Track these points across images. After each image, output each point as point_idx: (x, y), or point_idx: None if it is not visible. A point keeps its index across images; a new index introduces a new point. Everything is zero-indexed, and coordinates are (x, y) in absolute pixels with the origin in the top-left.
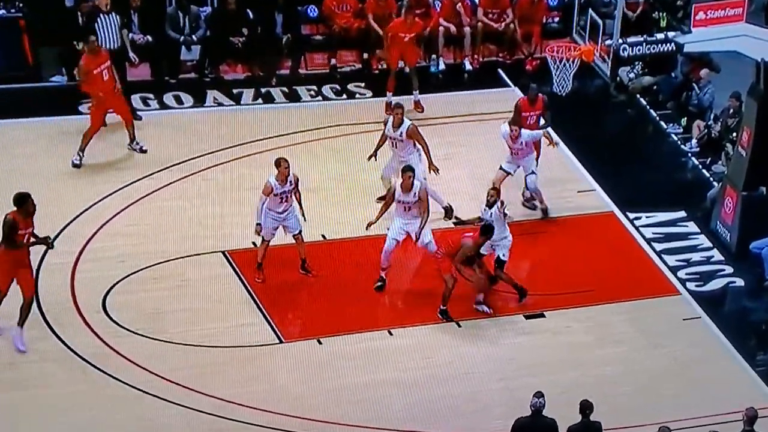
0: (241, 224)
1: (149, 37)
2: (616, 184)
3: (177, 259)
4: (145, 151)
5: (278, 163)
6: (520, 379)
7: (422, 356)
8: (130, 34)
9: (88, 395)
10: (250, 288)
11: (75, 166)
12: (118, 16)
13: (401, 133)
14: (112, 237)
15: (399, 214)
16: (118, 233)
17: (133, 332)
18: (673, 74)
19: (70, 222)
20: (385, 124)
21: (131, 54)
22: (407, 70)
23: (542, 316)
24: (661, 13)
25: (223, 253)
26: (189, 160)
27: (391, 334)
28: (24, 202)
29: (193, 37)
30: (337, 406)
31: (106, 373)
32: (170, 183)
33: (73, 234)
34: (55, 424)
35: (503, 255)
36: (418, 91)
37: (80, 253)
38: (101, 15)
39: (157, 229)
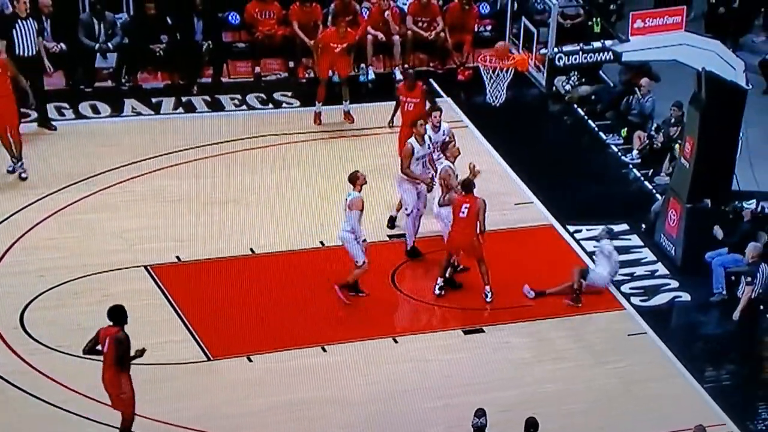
0: (162, 237)
1: (62, 45)
2: (554, 197)
3: (98, 273)
4: (24, 179)
5: (354, 177)
6: (459, 397)
7: (358, 373)
8: (44, 42)
9: (4, 414)
10: (174, 303)
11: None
12: (35, 22)
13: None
14: (29, 251)
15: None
16: (36, 247)
17: (53, 349)
18: (611, 83)
19: None
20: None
21: (47, 63)
22: (336, 79)
23: (481, 331)
24: (595, 18)
25: (146, 267)
26: (107, 171)
27: (324, 350)
28: None
29: (109, 44)
30: (269, 425)
31: (24, 391)
32: (89, 195)
33: None
34: None
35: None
36: (348, 101)
37: None
38: (19, 21)
39: (77, 242)
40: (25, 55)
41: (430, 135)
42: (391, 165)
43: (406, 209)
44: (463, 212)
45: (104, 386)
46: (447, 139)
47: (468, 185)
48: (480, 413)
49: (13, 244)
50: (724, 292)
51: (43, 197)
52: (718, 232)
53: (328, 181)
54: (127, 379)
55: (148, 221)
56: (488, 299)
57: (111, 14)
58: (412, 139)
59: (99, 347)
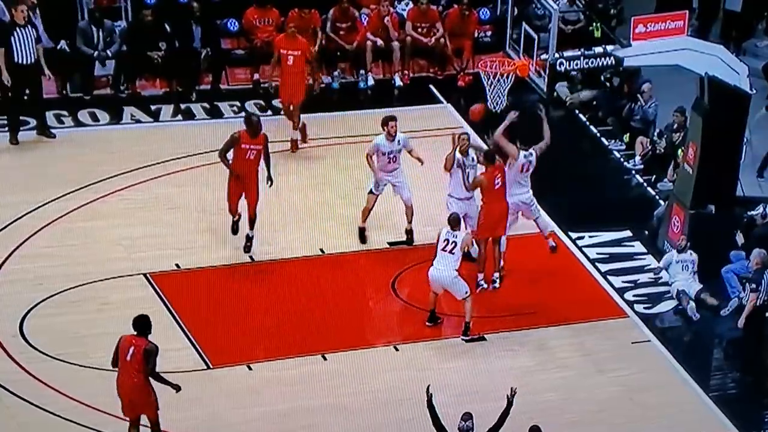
0: (162, 245)
1: (64, 44)
2: (557, 203)
3: (97, 281)
4: None
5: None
6: (461, 406)
7: (358, 382)
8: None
9: (3, 422)
10: (174, 311)
11: None
12: (34, 30)
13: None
14: (28, 259)
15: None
16: (35, 255)
17: (53, 357)
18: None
19: None
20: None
21: (45, 69)
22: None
23: (483, 339)
24: (595, 23)
25: (145, 275)
26: (106, 179)
27: (325, 359)
28: None
29: (108, 52)
30: None
31: (23, 399)
32: (88, 203)
33: None
34: None
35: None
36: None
37: None
38: (17, 28)
39: (76, 250)
40: (24, 62)
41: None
42: None
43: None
44: (498, 182)
45: (125, 393)
46: (407, 148)
47: (491, 156)
48: (467, 416)
49: (13, 252)
50: (742, 295)
51: (42, 205)
52: (740, 237)
53: (327, 187)
54: (151, 388)
55: (147, 229)
56: (497, 284)
57: (109, 22)
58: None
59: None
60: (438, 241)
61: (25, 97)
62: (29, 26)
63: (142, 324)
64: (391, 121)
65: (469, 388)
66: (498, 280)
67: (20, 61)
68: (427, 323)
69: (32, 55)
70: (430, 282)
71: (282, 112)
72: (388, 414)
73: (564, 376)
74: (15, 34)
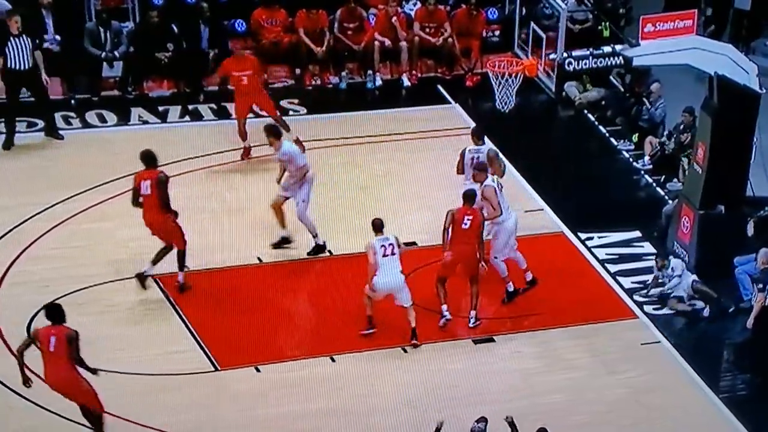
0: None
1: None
2: (565, 204)
3: (104, 283)
4: None
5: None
6: (469, 408)
7: (366, 383)
8: (45, 43)
9: (10, 424)
10: (181, 313)
11: None
12: (29, 39)
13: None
14: (35, 261)
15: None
16: (42, 257)
17: None
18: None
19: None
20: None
21: (44, 77)
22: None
23: (492, 340)
24: (604, 23)
25: (153, 278)
26: (114, 180)
27: (333, 360)
28: None
29: (115, 53)
30: None
31: (30, 401)
32: (95, 204)
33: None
34: None
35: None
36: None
37: (2, 277)
38: (11, 38)
39: (82, 252)
40: (18, 68)
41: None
42: (398, 171)
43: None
44: (466, 224)
45: (58, 385)
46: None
47: (469, 196)
48: (481, 419)
49: (20, 254)
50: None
51: (49, 207)
52: (750, 228)
53: (334, 188)
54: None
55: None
56: (471, 323)
57: (117, 23)
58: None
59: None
60: (374, 253)
61: (32, 100)
62: (24, 35)
63: (55, 312)
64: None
65: (476, 389)
66: (473, 319)
67: (14, 67)
68: (363, 333)
69: (27, 62)
70: (377, 290)
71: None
72: (396, 415)
73: (572, 377)
74: (10, 42)
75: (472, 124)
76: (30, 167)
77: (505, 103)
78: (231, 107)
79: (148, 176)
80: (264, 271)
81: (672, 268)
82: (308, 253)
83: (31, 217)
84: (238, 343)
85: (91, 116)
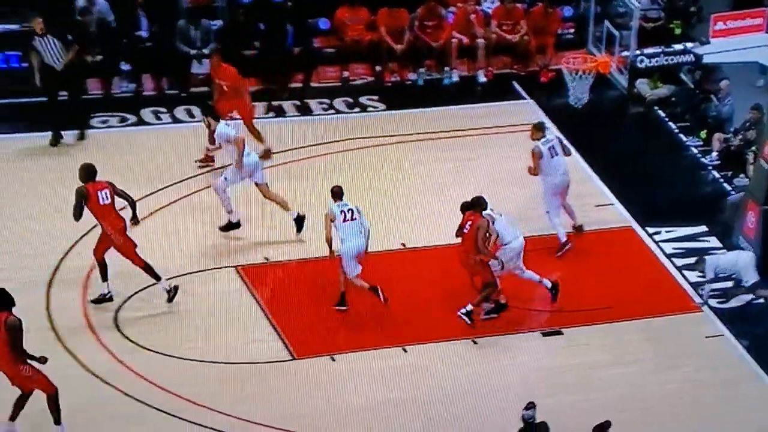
0: (252, 239)
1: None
2: (634, 198)
3: (188, 274)
4: None
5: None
6: (538, 400)
7: (436, 375)
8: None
9: (98, 412)
10: (262, 304)
11: None
12: (54, 39)
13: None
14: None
15: None
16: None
17: (146, 348)
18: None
19: (80, 238)
20: None
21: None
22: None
23: (560, 333)
24: (675, 21)
25: (235, 268)
26: (199, 174)
27: (405, 351)
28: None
29: (204, 50)
30: (348, 425)
31: (117, 389)
32: (180, 198)
33: (83, 250)
34: None
35: None
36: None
37: (91, 269)
38: (36, 38)
39: (168, 244)
40: (52, 66)
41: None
42: (471, 166)
43: None
44: (467, 228)
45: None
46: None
47: (468, 205)
48: (530, 405)
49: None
50: None
51: (139, 200)
52: None
53: (410, 182)
54: (23, 364)
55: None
56: (463, 310)
57: (207, 21)
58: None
59: None
60: (334, 220)
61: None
62: (48, 36)
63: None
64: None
65: (546, 380)
66: (465, 313)
67: (49, 64)
68: (337, 306)
69: (58, 61)
70: (353, 253)
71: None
72: (465, 406)
73: (635, 371)
74: (38, 42)
75: (547, 120)
76: (113, 164)
77: (578, 99)
78: (312, 104)
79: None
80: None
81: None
82: (220, 228)
83: (120, 210)
84: (314, 333)
85: (179, 111)
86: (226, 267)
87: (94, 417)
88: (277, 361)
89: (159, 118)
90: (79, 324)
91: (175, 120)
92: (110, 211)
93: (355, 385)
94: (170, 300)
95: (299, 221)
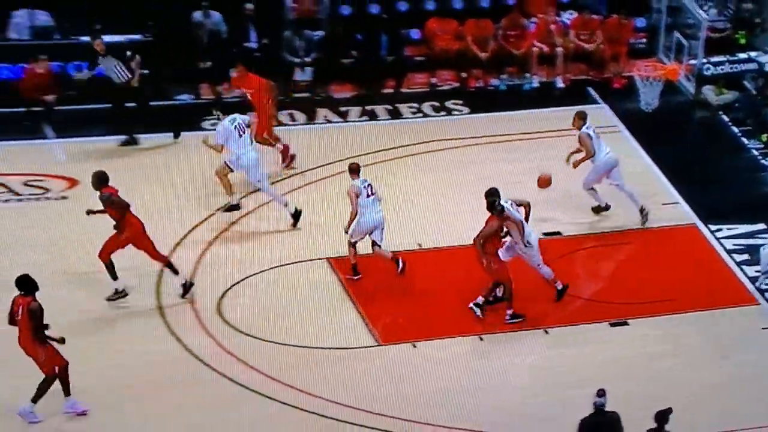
0: (341, 233)
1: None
2: (698, 197)
3: (285, 265)
4: None
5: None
6: (608, 385)
7: (511, 362)
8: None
9: (201, 394)
10: (350, 294)
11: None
12: (115, 60)
13: None
14: (228, 244)
15: None
16: (234, 240)
17: (245, 334)
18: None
19: (191, 231)
20: None
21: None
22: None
23: (626, 323)
24: (740, 32)
25: (327, 260)
26: (300, 173)
27: (481, 339)
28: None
29: (306, 59)
30: (429, 408)
31: (219, 372)
32: (283, 194)
33: (192, 242)
34: (172, 422)
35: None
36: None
37: (199, 258)
38: (99, 57)
39: (269, 237)
40: (116, 82)
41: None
42: (550, 167)
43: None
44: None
45: (24, 350)
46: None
47: (489, 206)
48: (601, 393)
49: (216, 238)
50: None
51: (244, 196)
52: None
53: (492, 182)
54: (44, 349)
55: (330, 218)
56: (472, 305)
57: (309, 32)
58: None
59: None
60: (356, 195)
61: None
62: (108, 55)
63: (23, 283)
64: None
65: (608, 369)
66: (477, 307)
67: (113, 81)
68: (352, 277)
69: (123, 75)
70: (361, 230)
71: None
72: (536, 390)
73: (694, 361)
74: (101, 61)
75: (620, 124)
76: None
77: (648, 104)
78: (402, 108)
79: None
80: (423, 256)
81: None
82: (224, 210)
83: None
84: (398, 321)
85: (283, 115)
86: (318, 259)
87: (196, 397)
88: (363, 347)
89: None
90: (185, 309)
91: (279, 123)
92: (130, 212)
93: (433, 370)
94: (184, 295)
95: (296, 216)
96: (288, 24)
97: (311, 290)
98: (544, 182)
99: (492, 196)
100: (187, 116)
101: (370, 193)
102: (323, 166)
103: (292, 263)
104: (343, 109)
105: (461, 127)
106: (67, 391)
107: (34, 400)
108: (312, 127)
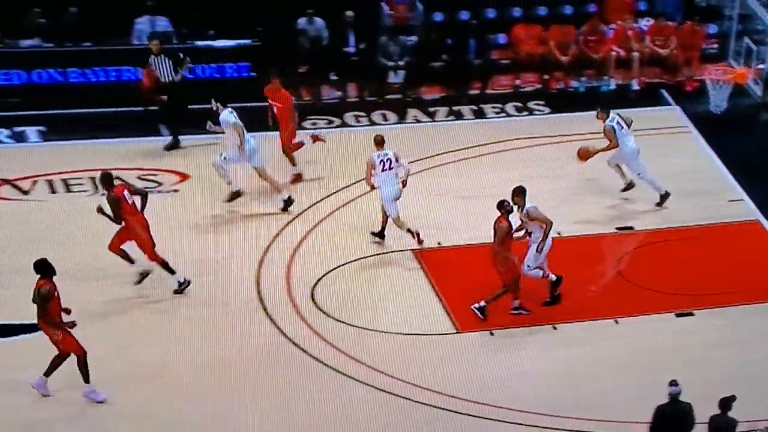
0: (428, 225)
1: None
2: (763, 195)
3: (373, 255)
4: None
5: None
6: (670, 375)
7: (584, 350)
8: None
9: (296, 375)
10: (434, 283)
11: None
12: (167, 59)
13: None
14: (321, 236)
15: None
16: (327, 233)
17: (336, 319)
18: None
19: (288, 223)
20: None
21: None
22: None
23: (691, 314)
24: None
25: (413, 251)
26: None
27: (555, 329)
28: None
29: (400, 62)
30: (504, 390)
31: (311, 355)
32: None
33: (289, 234)
34: (264, 401)
35: None
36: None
37: (295, 250)
38: (153, 57)
39: (359, 229)
40: (164, 81)
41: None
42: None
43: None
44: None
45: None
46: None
47: (498, 205)
48: (674, 382)
49: (311, 230)
50: None
51: (334, 192)
52: None
53: (569, 179)
54: (54, 332)
55: (418, 212)
56: (475, 306)
57: (404, 37)
58: None
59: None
60: (374, 168)
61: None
62: (162, 55)
63: (39, 266)
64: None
65: (674, 357)
66: (479, 309)
67: (161, 79)
68: (376, 239)
69: (169, 76)
70: (390, 198)
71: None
72: (606, 381)
73: (752, 352)
74: (153, 60)
75: (690, 124)
76: (319, 159)
77: (718, 106)
78: (486, 108)
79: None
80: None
81: None
82: (226, 200)
83: (320, 200)
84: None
85: (376, 115)
86: (404, 250)
87: (288, 376)
88: (444, 334)
89: (359, 121)
90: (282, 297)
91: (372, 123)
92: (136, 208)
93: (508, 357)
94: (178, 291)
95: (287, 203)
96: (384, 30)
97: (397, 279)
98: (584, 155)
99: (521, 194)
100: None
101: (387, 167)
102: (410, 163)
103: (380, 254)
104: (431, 109)
105: (542, 125)
106: (86, 378)
107: (47, 374)
108: (402, 126)
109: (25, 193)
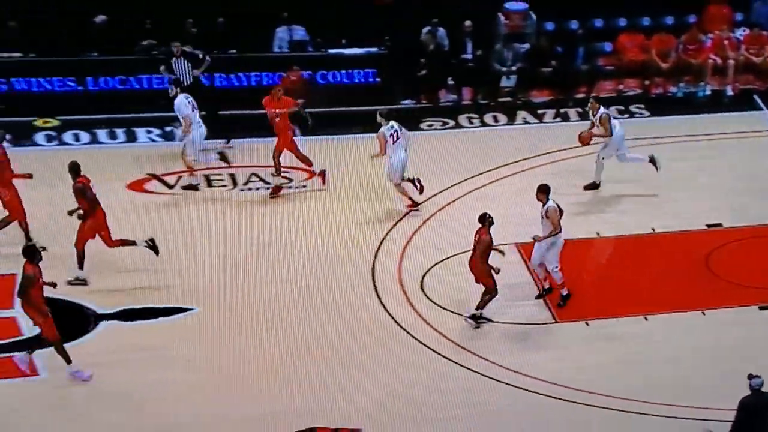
0: (527, 222)
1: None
2: None
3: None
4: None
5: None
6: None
7: (667, 343)
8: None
9: (402, 357)
10: (534, 277)
11: None
12: (187, 61)
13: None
14: (432, 230)
15: None
16: (437, 227)
17: (441, 307)
18: None
19: (400, 219)
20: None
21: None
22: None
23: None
24: None
25: (516, 245)
26: (495, 168)
27: (646, 319)
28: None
29: (512, 68)
30: (596, 380)
31: (419, 341)
32: (479, 187)
33: (402, 227)
34: (375, 377)
35: None
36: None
37: (407, 242)
38: (174, 59)
39: (466, 224)
40: (184, 83)
41: None
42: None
43: None
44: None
45: None
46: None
47: (480, 218)
48: (752, 376)
49: (422, 224)
50: None
51: (443, 190)
52: None
53: (666, 178)
54: (35, 313)
55: (520, 209)
56: (472, 323)
57: (518, 45)
58: None
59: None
60: (385, 140)
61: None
62: (182, 58)
63: (26, 252)
64: None
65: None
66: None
67: (182, 82)
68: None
69: (188, 78)
70: (399, 167)
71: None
72: (687, 369)
73: None
74: (174, 62)
75: None
76: (433, 157)
77: None
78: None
79: None
80: (599, 243)
81: None
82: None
83: (432, 196)
84: (574, 300)
85: (488, 117)
86: (509, 243)
87: (396, 358)
88: (541, 323)
89: (471, 123)
90: (394, 285)
91: (484, 124)
92: (98, 200)
93: (602, 346)
94: (72, 283)
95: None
96: (500, 38)
97: (501, 272)
98: (585, 139)
99: (544, 192)
100: (408, 119)
101: (396, 139)
102: (517, 161)
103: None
104: (540, 111)
105: (640, 127)
106: (67, 360)
107: (68, 362)
108: (511, 127)
109: (171, 187)
